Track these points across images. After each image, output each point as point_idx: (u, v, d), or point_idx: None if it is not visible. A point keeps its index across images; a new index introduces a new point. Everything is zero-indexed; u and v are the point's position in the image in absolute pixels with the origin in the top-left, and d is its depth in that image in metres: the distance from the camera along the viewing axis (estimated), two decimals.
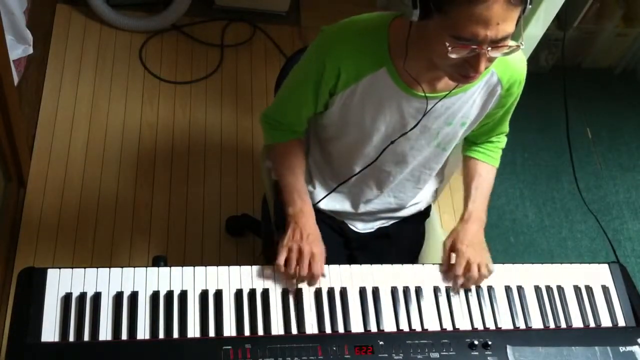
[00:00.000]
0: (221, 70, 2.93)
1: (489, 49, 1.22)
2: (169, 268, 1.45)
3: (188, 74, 2.89)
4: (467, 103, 1.49)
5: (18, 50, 2.60)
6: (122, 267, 1.43)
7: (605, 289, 1.60)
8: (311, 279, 1.47)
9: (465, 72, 1.28)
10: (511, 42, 1.25)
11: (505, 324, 1.51)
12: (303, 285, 1.48)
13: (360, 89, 1.45)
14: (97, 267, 1.42)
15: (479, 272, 1.52)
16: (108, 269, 1.42)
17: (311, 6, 3.19)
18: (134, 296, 1.40)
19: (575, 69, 3.36)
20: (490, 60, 1.26)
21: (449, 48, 1.22)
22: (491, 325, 1.50)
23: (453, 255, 1.56)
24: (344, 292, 1.48)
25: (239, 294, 1.44)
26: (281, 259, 1.48)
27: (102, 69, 2.81)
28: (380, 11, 1.46)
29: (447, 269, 1.55)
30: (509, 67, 1.47)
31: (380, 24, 1.40)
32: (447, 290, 1.53)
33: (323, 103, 1.52)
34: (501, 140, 1.73)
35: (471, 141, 1.72)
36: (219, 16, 3.07)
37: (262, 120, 1.66)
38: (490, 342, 1.44)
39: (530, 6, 1.22)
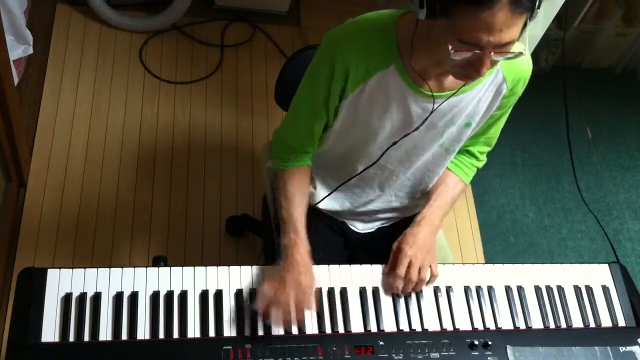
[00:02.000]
0: (221, 70, 2.93)
1: (492, 53, 1.22)
2: (169, 268, 1.45)
3: (188, 74, 2.89)
4: (472, 102, 1.49)
5: (18, 50, 2.60)
6: (122, 267, 1.43)
7: (605, 289, 1.60)
8: (297, 312, 1.42)
9: (468, 72, 1.28)
10: (516, 47, 1.25)
11: (505, 324, 1.51)
12: None
13: (368, 88, 1.44)
14: (97, 267, 1.42)
15: (419, 275, 1.50)
16: (108, 269, 1.42)
17: (311, 6, 3.19)
18: (134, 296, 1.40)
19: (575, 69, 3.36)
20: (493, 63, 1.26)
21: (452, 50, 1.22)
22: (491, 325, 1.50)
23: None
24: (344, 292, 1.48)
25: (239, 294, 1.44)
26: (265, 288, 1.42)
27: (102, 69, 2.81)
28: (384, 10, 1.46)
29: (389, 271, 1.52)
30: (514, 66, 1.46)
31: (388, 21, 1.40)
32: (448, 290, 1.53)
33: (334, 106, 1.50)
34: (481, 160, 1.71)
35: None
36: (219, 16, 3.07)
37: (273, 144, 1.62)
38: (490, 342, 1.44)
39: (538, 10, 1.22)
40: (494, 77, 1.47)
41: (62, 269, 1.41)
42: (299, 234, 1.52)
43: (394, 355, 1.40)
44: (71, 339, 1.34)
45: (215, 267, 1.47)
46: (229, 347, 1.36)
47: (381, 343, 1.42)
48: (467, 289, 1.54)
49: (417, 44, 1.35)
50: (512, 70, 1.47)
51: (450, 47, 1.22)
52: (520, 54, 1.25)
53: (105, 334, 1.35)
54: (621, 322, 1.57)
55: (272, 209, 1.88)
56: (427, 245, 1.56)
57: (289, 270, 1.45)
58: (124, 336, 1.36)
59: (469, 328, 1.49)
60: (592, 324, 1.54)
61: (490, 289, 1.55)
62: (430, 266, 1.53)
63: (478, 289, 1.54)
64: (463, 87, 1.43)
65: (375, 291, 1.50)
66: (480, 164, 1.72)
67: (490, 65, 1.26)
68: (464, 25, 1.19)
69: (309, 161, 1.62)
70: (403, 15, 1.40)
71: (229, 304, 1.43)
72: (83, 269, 1.41)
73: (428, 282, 1.53)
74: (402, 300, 1.49)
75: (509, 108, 1.58)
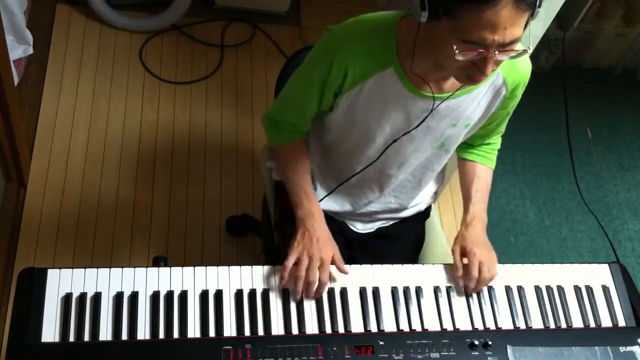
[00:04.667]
0: (221, 70, 2.93)
1: (496, 52, 1.22)
2: (169, 268, 1.45)
3: (188, 74, 2.89)
4: (472, 104, 1.49)
5: (18, 50, 2.60)
6: (122, 267, 1.43)
7: (605, 289, 1.60)
8: (319, 287, 1.46)
9: (472, 74, 1.28)
10: (519, 46, 1.25)
11: (506, 324, 1.51)
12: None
13: (366, 89, 1.44)
14: (97, 267, 1.42)
15: (489, 273, 1.53)
16: (108, 269, 1.42)
17: (311, 6, 3.19)
18: (134, 296, 1.40)
19: (575, 69, 3.36)
20: (498, 63, 1.26)
21: (456, 51, 1.22)
22: (491, 325, 1.50)
23: (465, 259, 1.55)
24: (344, 292, 1.48)
25: (239, 294, 1.44)
26: (290, 262, 1.47)
27: (102, 69, 2.81)
28: (385, 11, 1.46)
29: (461, 274, 1.54)
30: (514, 69, 1.46)
31: (388, 23, 1.40)
32: (448, 290, 1.53)
33: (327, 103, 1.52)
34: (497, 142, 1.73)
35: (468, 143, 1.71)
36: (219, 16, 3.07)
37: (264, 122, 1.65)
38: (490, 342, 1.44)
39: (539, 9, 1.22)
40: (494, 80, 1.47)
41: (62, 269, 1.41)
42: (312, 202, 1.56)
43: (394, 355, 1.40)
44: (71, 339, 1.34)
45: (215, 267, 1.46)
46: (229, 347, 1.36)
47: (381, 343, 1.42)
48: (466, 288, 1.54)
49: (418, 47, 1.35)
50: (512, 73, 1.47)
51: (454, 48, 1.21)
52: (525, 52, 1.25)
53: (105, 334, 1.35)
54: (621, 322, 1.57)
55: (272, 208, 1.88)
56: (485, 242, 1.60)
57: (312, 244, 1.49)
58: (124, 336, 1.35)
59: (469, 328, 1.49)
60: (592, 324, 1.54)
61: (490, 289, 1.55)
62: (494, 266, 1.55)
63: None
64: (461, 89, 1.43)
65: (375, 291, 1.49)
66: (499, 145, 1.75)
67: (495, 65, 1.26)
68: (468, 24, 1.19)
69: (302, 136, 1.65)
70: (403, 17, 1.40)
71: (229, 304, 1.43)
72: (83, 269, 1.41)
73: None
74: (402, 300, 1.49)
75: (514, 106, 1.58)
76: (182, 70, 2.89)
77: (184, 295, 1.42)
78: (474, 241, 1.57)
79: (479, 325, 1.49)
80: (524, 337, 1.48)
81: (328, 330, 1.43)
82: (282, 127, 1.62)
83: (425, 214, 1.87)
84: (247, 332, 1.40)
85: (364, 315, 1.46)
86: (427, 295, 1.51)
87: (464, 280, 1.52)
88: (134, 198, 2.52)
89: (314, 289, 1.46)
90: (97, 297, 1.39)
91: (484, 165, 1.71)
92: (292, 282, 1.46)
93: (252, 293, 1.45)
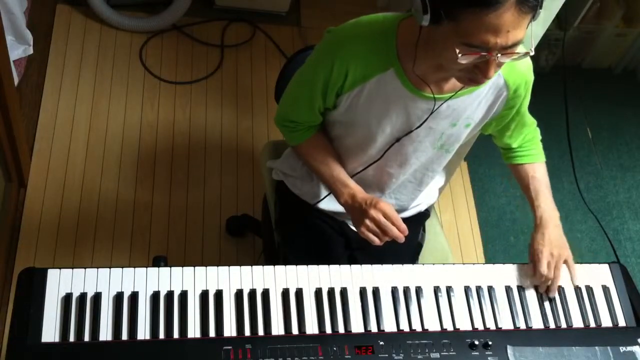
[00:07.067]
0: (221, 70, 2.93)
1: (499, 55, 1.22)
2: (169, 268, 1.45)
3: (188, 74, 2.89)
4: (472, 104, 1.49)
5: (18, 50, 2.60)
6: (122, 267, 1.43)
7: (605, 289, 1.60)
8: (400, 232, 1.49)
9: (474, 76, 1.28)
10: (521, 48, 1.25)
11: (506, 324, 1.51)
12: (303, 285, 1.48)
13: (367, 90, 1.44)
14: (97, 267, 1.42)
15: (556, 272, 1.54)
16: (108, 269, 1.42)
17: (311, 6, 3.19)
18: (134, 296, 1.40)
19: (575, 69, 3.36)
20: (500, 65, 1.26)
21: (459, 54, 1.22)
22: (491, 325, 1.50)
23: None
24: (344, 292, 1.48)
25: (239, 294, 1.44)
26: (364, 229, 1.50)
27: (102, 69, 2.81)
28: (384, 12, 1.46)
29: (535, 274, 1.56)
30: (515, 70, 1.46)
31: (389, 25, 1.40)
32: (448, 290, 1.53)
33: (331, 102, 1.52)
34: (535, 134, 1.72)
35: (508, 148, 1.71)
36: (219, 16, 3.07)
37: (279, 125, 1.66)
38: (490, 342, 1.44)
39: (540, 10, 1.22)
40: (495, 81, 1.47)
41: (62, 269, 1.41)
42: (348, 185, 1.58)
43: (394, 355, 1.40)
44: (71, 339, 1.34)
45: (215, 267, 1.46)
46: (229, 347, 1.36)
47: (381, 343, 1.42)
48: (467, 289, 1.54)
49: (419, 49, 1.35)
50: (513, 74, 1.47)
51: (457, 51, 1.21)
52: (527, 54, 1.25)
53: (105, 334, 1.35)
54: (621, 322, 1.57)
55: (272, 208, 1.88)
56: (560, 240, 1.60)
57: (369, 209, 1.50)
58: (124, 336, 1.35)
59: (469, 328, 1.49)
60: (592, 324, 1.54)
61: (490, 289, 1.55)
62: (566, 260, 1.56)
63: (478, 289, 1.54)
64: (462, 90, 1.43)
65: (376, 291, 1.49)
66: (539, 134, 1.73)
67: (497, 68, 1.26)
68: (471, 28, 1.19)
69: (318, 127, 1.65)
70: (404, 19, 1.40)
71: (229, 304, 1.43)
72: (83, 269, 1.41)
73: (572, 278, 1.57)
74: (402, 300, 1.49)
75: (524, 102, 1.58)
76: (182, 70, 2.89)
77: (184, 295, 1.42)
78: (543, 241, 1.58)
79: (479, 325, 1.49)
80: (524, 337, 1.48)
81: (328, 330, 1.43)
82: (296, 127, 1.62)
83: (425, 214, 1.87)
84: (247, 332, 1.40)
85: (364, 315, 1.46)
86: (427, 295, 1.51)
87: (538, 279, 1.54)
88: (134, 198, 2.52)
89: (400, 226, 1.48)
90: (97, 297, 1.39)
91: (532, 163, 1.70)
92: (376, 237, 1.50)
93: (252, 293, 1.45)
